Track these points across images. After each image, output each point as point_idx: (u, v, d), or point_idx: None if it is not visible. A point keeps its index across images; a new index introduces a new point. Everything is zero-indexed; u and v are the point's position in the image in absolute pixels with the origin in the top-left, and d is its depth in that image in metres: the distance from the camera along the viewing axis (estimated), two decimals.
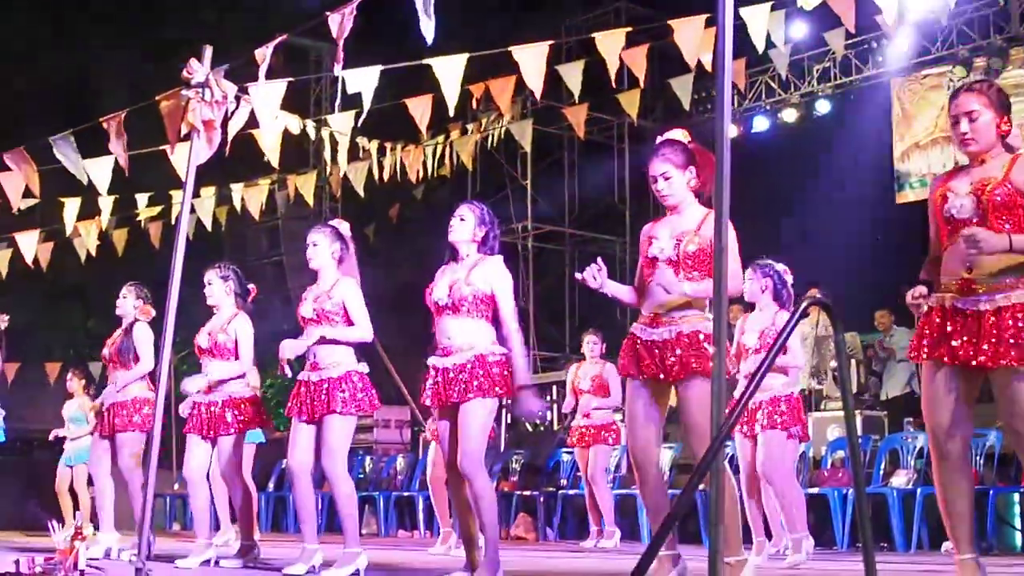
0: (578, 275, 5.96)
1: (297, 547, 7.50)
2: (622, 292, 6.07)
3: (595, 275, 5.85)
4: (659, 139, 6.04)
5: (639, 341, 5.85)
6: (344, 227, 7.56)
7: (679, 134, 6.00)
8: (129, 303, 9.28)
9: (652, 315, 5.85)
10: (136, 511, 9.06)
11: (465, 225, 6.55)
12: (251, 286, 8.68)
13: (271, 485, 16.09)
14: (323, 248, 7.34)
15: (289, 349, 7.20)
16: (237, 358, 8.37)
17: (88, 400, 13.78)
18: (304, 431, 7.25)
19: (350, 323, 7.22)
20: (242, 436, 8.40)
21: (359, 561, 7.10)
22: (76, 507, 13.43)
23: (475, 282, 6.39)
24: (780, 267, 8.62)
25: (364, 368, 7.31)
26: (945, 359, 5.15)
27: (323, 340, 7.16)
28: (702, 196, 5.90)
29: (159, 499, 15.80)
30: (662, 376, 5.76)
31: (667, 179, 5.86)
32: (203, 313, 8.59)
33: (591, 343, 11.84)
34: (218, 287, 8.47)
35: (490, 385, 6.28)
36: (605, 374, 11.64)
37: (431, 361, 6.46)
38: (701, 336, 5.65)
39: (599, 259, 5.93)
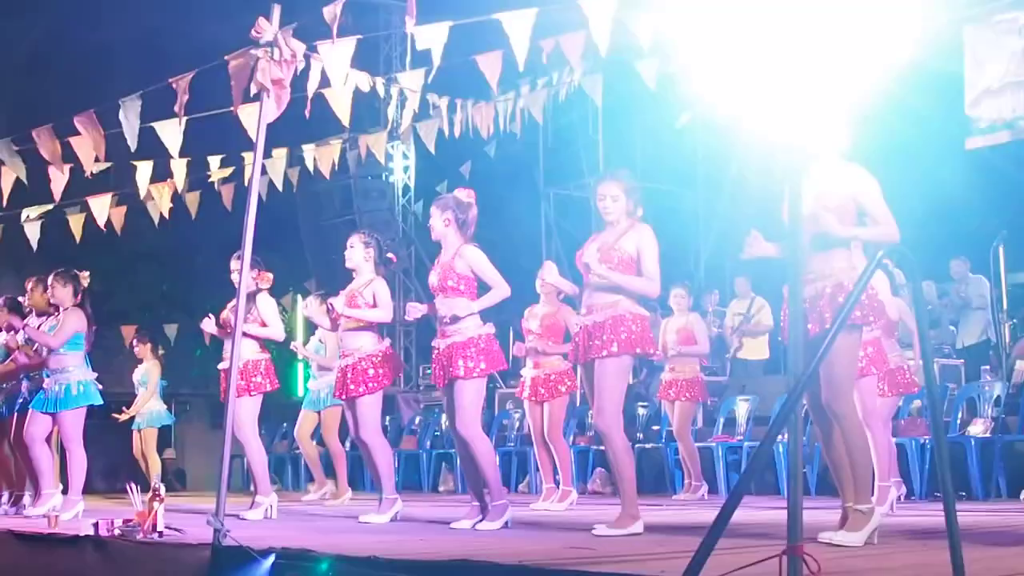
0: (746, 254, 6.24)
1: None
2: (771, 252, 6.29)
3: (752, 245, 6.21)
4: None
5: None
6: (464, 195, 7.83)
7: None
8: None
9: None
10: (257, 473, 9.48)
11: (618, 204, 7.01)
12: (391, 255, 9.02)
13: (347, 445, 16.21)
14: (435, 219, 7.74)
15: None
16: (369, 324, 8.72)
17: (157, 364, 13.97)
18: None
19: (473, 290, 7.63)
20: (378, 395, 8.72)
21: (507, 513, 7.57)
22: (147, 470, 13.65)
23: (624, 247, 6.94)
24: None
25: (490, 329, 7.66)
26: None
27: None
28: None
29: (235, 460, 15.96)
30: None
31: None
32: (282, 274, 8.76)
33: (678, 296, 11.83)
34: (359, 252, 8.78)
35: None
36: (690, 325, 11.66)
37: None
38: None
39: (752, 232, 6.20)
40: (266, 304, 9.52)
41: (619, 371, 6.86)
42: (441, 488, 15.23)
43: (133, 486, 7.11)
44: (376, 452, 8.68)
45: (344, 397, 8.72)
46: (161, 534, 6.72)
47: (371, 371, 8.54)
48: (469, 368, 7.50)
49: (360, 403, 8.58)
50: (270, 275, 9.56)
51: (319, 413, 12.57)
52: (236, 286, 9.36)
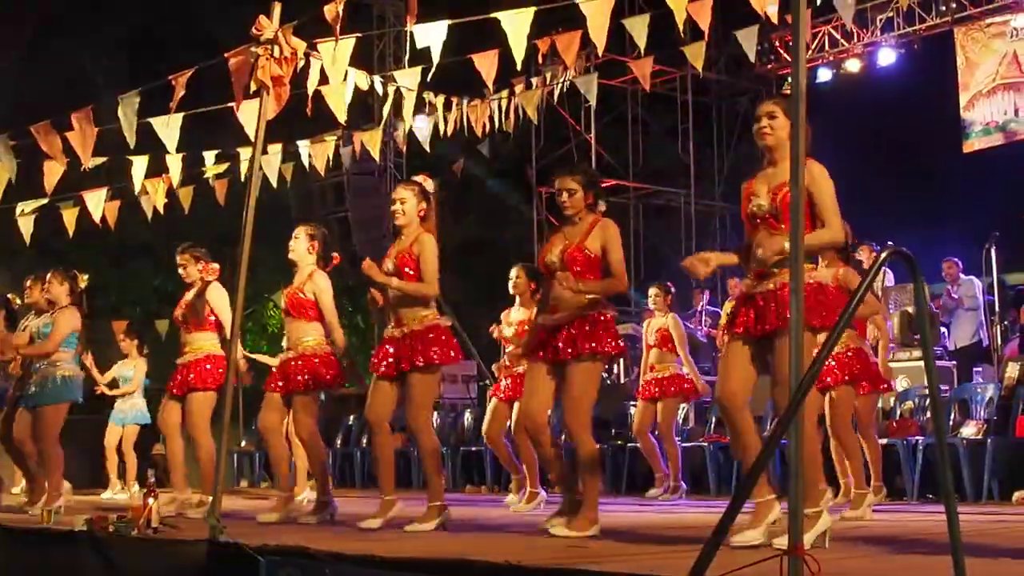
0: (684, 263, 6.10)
1: (366, 502, 7.58)
2: (732, 260, 6.19)
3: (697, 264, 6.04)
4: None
5: (746, 297, 5.91)
6: (430, 184, 7.65)
7: None
8: (192, 272, 9.30)
9: (755, 271, 5.92)
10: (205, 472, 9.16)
11: (575, 198, 6.81)
12: (335, 255, 8.77)
13: (339, 442, 16.23)
14: (410, 205, 7.49)
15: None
16: (316, 316, 8.48)
17: (143, 361, 13.98)
18: (385, 386, 7.45)
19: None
20: (317, 393, 8.52)
21: (445, 515, 7.31)
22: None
23: (589, 247, 6.74)
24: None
25: (445, 322, 7.48)
26: None
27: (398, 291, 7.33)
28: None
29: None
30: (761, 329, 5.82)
31: (773, 118, 6.02)
32: (273, 269, 8.72)
33: (653, 295, 11.73)
34: (303, 244, 8.57)
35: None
36: (667, 326, 11.53)
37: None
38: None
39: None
40: (218, 296, 9.27)
41: (591, 374, 6.74)
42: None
43: (122, 482, 7.11)
44: (308, 452, 8.61)
45: (284, 392, 8.46)
46: (156, 530, 6.72)
47: (306, 371, 8.36)
48: (425, 358, 7.28)
49: (294, 401, 8.42)
50: (215, 266, 9.35)
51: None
52: (185, 279, 9.36)
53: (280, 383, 8.46)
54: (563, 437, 9.76)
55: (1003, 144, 17.67)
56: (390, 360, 7.40)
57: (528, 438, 7.22)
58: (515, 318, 10.37)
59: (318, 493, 8.54)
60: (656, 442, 11.70)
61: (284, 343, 8.70)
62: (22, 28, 19.59)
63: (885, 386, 9.33)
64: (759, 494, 5.72)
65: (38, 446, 9.68)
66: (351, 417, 16.22)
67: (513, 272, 10.26)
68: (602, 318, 6.72)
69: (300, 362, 8.38)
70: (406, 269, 7.34)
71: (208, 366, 9.17)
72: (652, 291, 11.77)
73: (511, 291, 10.36)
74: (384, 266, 7.46)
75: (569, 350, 6.65)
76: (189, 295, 9.35)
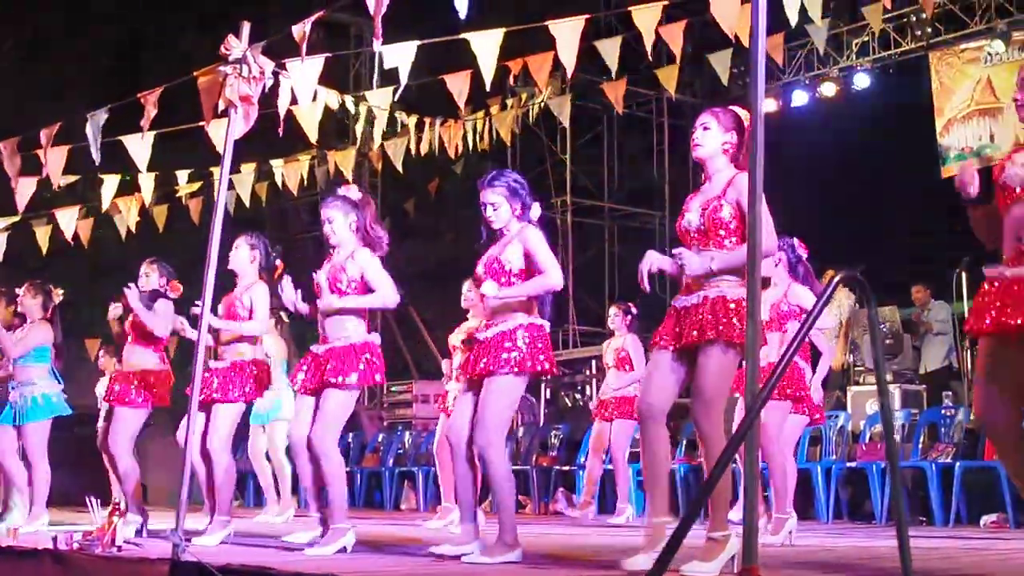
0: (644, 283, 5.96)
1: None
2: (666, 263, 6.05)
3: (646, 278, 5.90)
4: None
5: (675, 309, 5.85)
6: (353, 191, 7.47)
7: (740, 111, 6.01)
8: (153, 280, 9.15)
9: (687, 284, 5.82)
10: (126, 492, 9.02)
11: (499, 212, 6.59)
12: (278, 262, 8.48)
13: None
14: (339, 223, 7.26)
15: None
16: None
17: None
18: (307, 403, 7.23)
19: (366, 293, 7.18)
20: (242, 406, 8.23)
21: (347, 538, 7.01)
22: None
23: (510, 259, 6.48)
24: (793, 240, 8.50)
25: (374, 338, 7.26)
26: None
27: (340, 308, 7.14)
28: (739, 162, 5.80)
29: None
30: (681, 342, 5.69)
31: (705, 129, 5.84)
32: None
33: (613, 315, 11.69)
34: (243, 254, 8.30)
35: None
36: (625, 347, 11.49)
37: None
38: (731, 304, 5.58)
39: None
40: (164, 308, 8.98)
41: (504, 390, 6.38)
42: (403, 506, 15.22)
43: (92, 500, 7.08)
44: (217, 467, 8.14)
45: (208, 400, 8.10)
46: (120, 548, 6.70)
47: (235, 379, 8.13)
48: (344, 375, 7.05)
49: (217, 410, 8.13)
50: (179, 285, 9.23)
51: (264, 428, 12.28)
52: (142, 289, 9.15)
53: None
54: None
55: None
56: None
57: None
58: (465, 328, 10.12)
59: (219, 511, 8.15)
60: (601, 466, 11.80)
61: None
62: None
63: (817, 416, 8.84)
64: (719, 527, 5.46)
65: (30, 459, 9.64)
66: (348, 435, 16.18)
67: (464, 286, 10.18)
68: (522, 330, 6.39)
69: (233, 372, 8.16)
70: (338, 284, 7.16)
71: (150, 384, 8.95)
72: (612, 311, 11.69)
73: (463, 304, 10.20)
74: (318, 277, 7.30)
75: (487, 366, 6.38)
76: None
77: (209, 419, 8.08)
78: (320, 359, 7.17)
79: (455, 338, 10.40)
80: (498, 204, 6.58)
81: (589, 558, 6.60)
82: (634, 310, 11.70)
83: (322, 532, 7.30)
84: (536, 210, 6.68)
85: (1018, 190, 5.16)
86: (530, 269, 6.46)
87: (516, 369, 6.33)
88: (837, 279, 3.86)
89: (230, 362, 8.15)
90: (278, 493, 12.37)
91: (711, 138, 5.83)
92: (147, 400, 8.86)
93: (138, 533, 8.30)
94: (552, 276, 6.39)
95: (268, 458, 12.62)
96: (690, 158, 21.53)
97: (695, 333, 5.58)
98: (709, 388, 5.55)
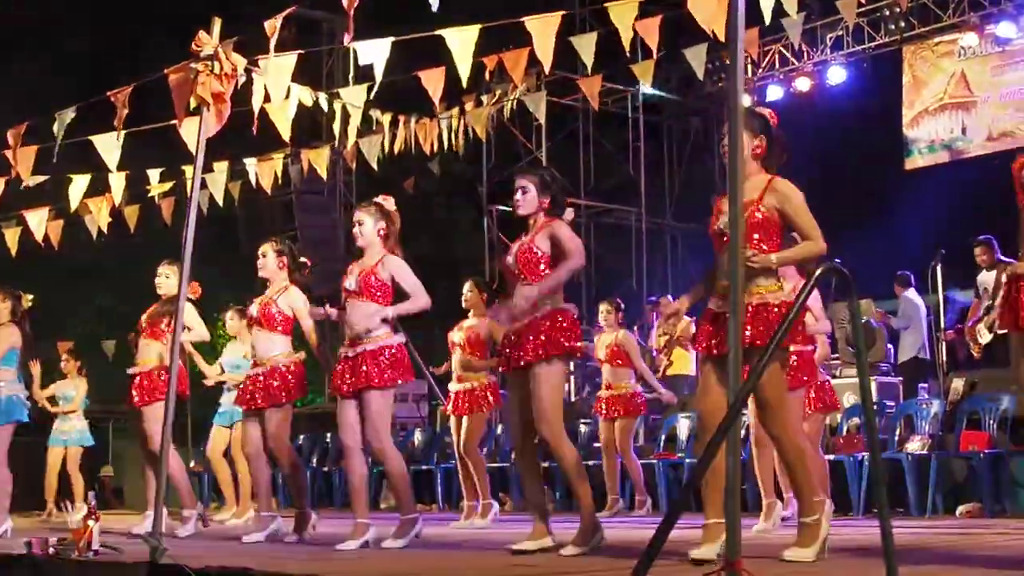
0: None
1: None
2: (697, 296, 6.19)
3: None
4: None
5: (712, 314, 5.94)
6: (389, 203, 7.73)
7: (764, 110, 6.20)
8: (173, 283, 9.28)
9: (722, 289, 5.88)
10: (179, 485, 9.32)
11: (527, 196, 6.80)
12: (304, 260, 8.89)
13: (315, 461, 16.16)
14: (368, 227, 7.56)
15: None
16: (286, 331, 8.60)
17: (83, 381, 13.89)
18: (349, 406, 7.49)
19: (389, 299, 7.50)
20: (289, 407, 8.63)
21: (418, 526, 7.44)
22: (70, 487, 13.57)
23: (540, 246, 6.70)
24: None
25: (401, 338, 7.52)
26: None
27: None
28: (768, 166, 6.00)
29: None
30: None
31: None
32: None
33: (604, 312, 11.80)
34: (272, 261, 8.66)
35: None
36: (619, 342, 11.60)
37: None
38: (774, 309, 5.75)
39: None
40: (190, 310, 9.31)
41: (551, 375, 6.58)
42: (382, 505, 15.17)
43: (68, 504, 7.04)
44: (282, 467, 8.65)
45: (252, 408, 8.54)
46: (97, 552, 6.64)
47: (277, 383, 8.44)
48: (381, 377, 7.34)
49: (268, 415, 8.46)
50: (197, 286, 9.47)
51: (230, 428, 12.31)
52: (161, 292, 9.37)
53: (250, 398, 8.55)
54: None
55: (949, 162, 17.80)
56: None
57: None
58: (465, 325, 10.53)
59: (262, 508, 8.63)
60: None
61: (250, 356, 8.78)
62: None
63: (821, 406, 9.08)
64: (810, 511, 5.74)
65: None
66: (328, 435, 16.20)
67: (465, 286, 10.35)
68: (552, 315, 6.60)
69: (267, 376, 8.47)
70: (369, 288, 7.43)
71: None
72: (602, 307, 11.87)
73: (464, 304, 10.43)
74: (345, 282, 7.55)
75: (527, 355, 6.56)
76: (157, 309, 9.45)
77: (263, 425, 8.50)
78: (354, 362, 7.42)
79: (456, 336, 10.53)
80: (528, 189, 6.78)
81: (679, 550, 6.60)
82: (623, 306, 11.84)
83: (295, 527, 8.03)
84: (569, 213, 6.89)
85: None
86: (556, 259, 6.66)
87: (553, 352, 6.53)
88: (819, 271, 3.85)
89: (270, 367, 8.46)
90: (238, 494, 12.40)
91: (744, 146, 5.88)
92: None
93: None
94: (575, 258, 6.57)
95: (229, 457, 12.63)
96: (666, 154, 21.56)
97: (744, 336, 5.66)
98: (769, 394, 5.70)
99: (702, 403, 5.96)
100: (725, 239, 5.81)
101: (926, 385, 13.04)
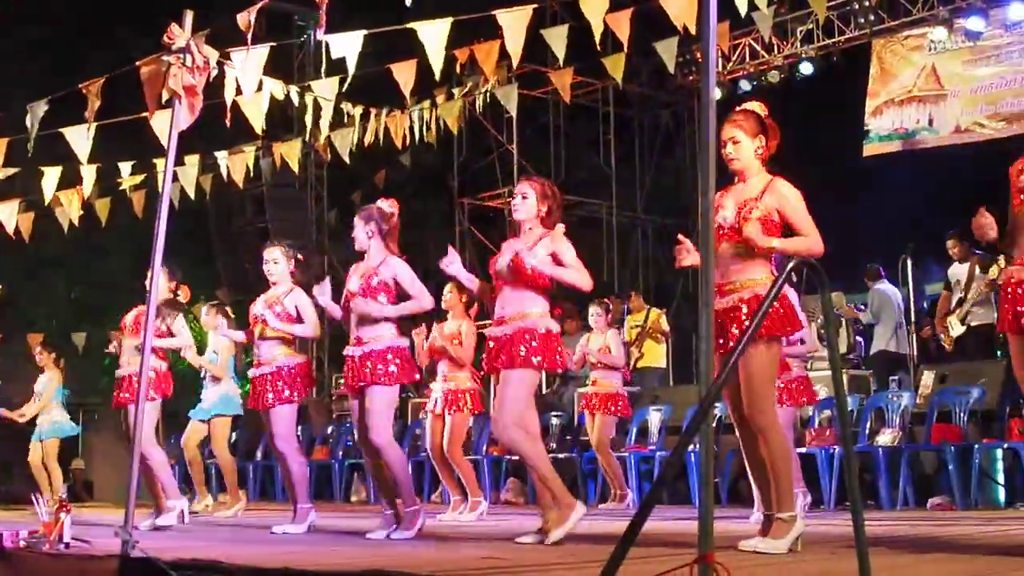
0: None
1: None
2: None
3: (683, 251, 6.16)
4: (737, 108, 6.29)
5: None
6: (386, 205, 7.94)
7: (755, 106, 6.20)
8: (164, 285, 9.34)
9: (719, 286, 5.94)
10: (163, 480, 9.37)
11: (527, 203, 6.96)
12: (299, 255, 8.97)
13: (259, 455, 16.13)
14: (359, 231, 7.78)
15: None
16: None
17: (57, 373, 13.84)
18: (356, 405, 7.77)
19: (392, 300, 7.67)
20: (296, 406, 8.76)
21: (421, 519, 7.63)
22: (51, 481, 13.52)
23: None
24: None
25: (404, 341, 7.75)
26: None
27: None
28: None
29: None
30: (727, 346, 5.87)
31: (736, 143, 6.04)
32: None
33: (595, 315, 11.85)
34: (283, 265, 8.76)
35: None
36: (609, 343, 11.69)
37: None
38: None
39: None
40: (179, 319, 9.48)
41: (522, 381, 6.80)
42: (353, 498, 15.18)
43: (39, 497, 7.01)
44: (290, 462, 8.67)
45: (260, 407, 8.68)
46: (68, 545, 6.62)
47: (281, 383, 8.55)
48: (384, 374, 7.54)
49: (274, 413, 8.54)
50: (187, 290, 9.56)
51: (207, 423, 12.30)
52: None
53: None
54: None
55: (912, 152, 17.84)
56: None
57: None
58: (448, 331, 10.50)
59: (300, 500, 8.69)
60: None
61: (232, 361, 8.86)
62: None
63: (804, 399, 9.47)
64: (786, 508, 5.81)
65: None
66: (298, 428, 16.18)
67: (446, 288, 10.38)
68: (539, 330, 6.81)
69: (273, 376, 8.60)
70: (371, 287, 7.61)
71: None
72: (592, 309, 11.92)
73: (443, 306, 10.41)
74: (349, 283, 7.74)
75: (506, 360, 6.76)
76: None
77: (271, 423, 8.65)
78: (360, 361, 7.62)
79: (438, 341, 10.55)
80: (528, 195, 6.97)
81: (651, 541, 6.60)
82: (611, 307, 11.94)
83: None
84: (560, 228, 7.01)
85: None
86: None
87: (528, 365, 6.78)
88: (791, 265, 3.86)
89: (275, 367, 8.58)
90: (209, 487, 12.41)
91: (744, 150, 6.05)
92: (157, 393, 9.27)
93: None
94: (583, 278, 6.90)
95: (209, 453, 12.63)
96: (637, 148, 21.53)
97: (737, 333, 5.76)
98: (758, 383, 5.79)
99: (728, 402, 6.05)
100: (721, 234, 5.92)
101: (896, 378, 13.09)
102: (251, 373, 8.78)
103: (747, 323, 5.70)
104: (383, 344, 7.58)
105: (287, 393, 8.54)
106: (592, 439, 11.94)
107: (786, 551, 5.66)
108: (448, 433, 10.48)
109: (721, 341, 5.84)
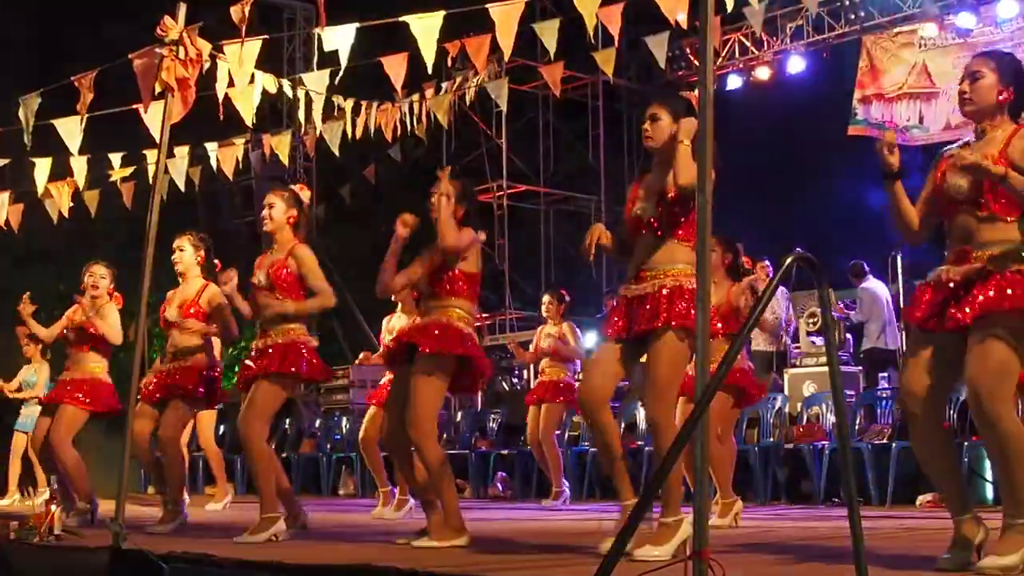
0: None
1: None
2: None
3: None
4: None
5: (624, 299, 5.82)
6: (304, 194, 7.66)
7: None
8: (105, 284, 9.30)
9: (638, 274, 5.80)
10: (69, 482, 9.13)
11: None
12: (216, 262, 8.57)
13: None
14: (279, 211, 7.36)
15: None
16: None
17: (46, 365, 13.83)
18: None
19: (299, 294, 7.27)
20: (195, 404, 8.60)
21: (278, 526, 7.12)
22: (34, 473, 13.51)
23: None
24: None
25: (313, 342, 7.36)
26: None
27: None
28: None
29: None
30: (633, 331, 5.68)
31: (655, 120, 5.92)
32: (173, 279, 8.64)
33: (547, 303, 11.75)
34: (190, 254, 8.51)
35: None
36: (563, 334, 11.53)
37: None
38: (687, 293, 5.59)
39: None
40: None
41: (431, 373, 6.40)
42: (341, 491, 15.17)
43: (30, 489, 7.00)
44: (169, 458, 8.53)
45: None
46: (58, 537, 6.61)
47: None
48: (288, 365, 7.13)
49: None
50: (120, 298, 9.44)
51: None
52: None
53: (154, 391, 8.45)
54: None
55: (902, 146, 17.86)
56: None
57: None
58: (395, 325, 10.10)
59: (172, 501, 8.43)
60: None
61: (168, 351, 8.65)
62: None
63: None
64: (672, 512, 5.47)
65: None
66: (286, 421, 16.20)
67: (545, 298, 10.44)
68: (445, 320, 6.54)
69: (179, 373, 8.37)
70: (280, 280, 7.23)
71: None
72: (545, 299, 11.79)
73: (393, 298, 10.13)
74: (255, 277, 7.34)
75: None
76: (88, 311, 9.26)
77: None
78: (260, 355, 7.22)
79: (387, 337, 10.16)
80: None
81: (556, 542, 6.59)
82: (567, 297, 11.75)
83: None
84: (481, 235, 7.01)
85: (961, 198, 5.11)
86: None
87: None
88: (790, 260, 3.85)
89: (191, 361, 8.34)
90: (194, 481, 12.44)
91: (662, 128, 5.96)
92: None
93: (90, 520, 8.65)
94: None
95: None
96: (626, 142, 21.50)
97: (648, 321, 5.57)
98: (663, 377, 5.55)
99: (586, 383, 5.81)
100: (642, 228, 5.80)
101: (886, 375, 13.11)
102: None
103: (664, 308, 5.54)
104: (289, 338, 7.18)
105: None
106: (538, 428, 11.59)
107: (670, 557, 5.25)
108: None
109: (628, 324, 5.68)
